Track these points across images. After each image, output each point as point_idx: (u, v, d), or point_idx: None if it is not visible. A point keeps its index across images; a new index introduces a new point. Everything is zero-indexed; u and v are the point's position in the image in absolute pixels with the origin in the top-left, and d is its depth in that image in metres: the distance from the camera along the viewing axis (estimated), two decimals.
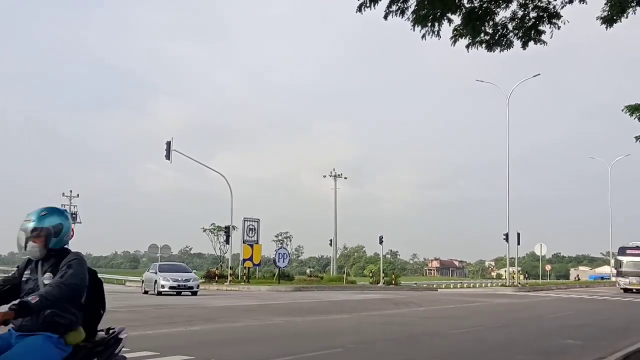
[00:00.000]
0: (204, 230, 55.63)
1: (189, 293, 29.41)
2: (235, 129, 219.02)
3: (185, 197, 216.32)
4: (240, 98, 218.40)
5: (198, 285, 31.11)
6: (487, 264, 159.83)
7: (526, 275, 60.07)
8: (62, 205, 64.64)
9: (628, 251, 42.87)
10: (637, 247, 42.79)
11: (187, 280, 30.14)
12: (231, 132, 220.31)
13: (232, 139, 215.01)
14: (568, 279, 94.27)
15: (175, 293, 29.06)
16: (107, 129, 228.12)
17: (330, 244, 61.97)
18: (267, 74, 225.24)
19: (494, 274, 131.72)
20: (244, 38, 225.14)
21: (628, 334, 14.85)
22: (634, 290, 40.88)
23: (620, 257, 43.55)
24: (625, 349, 11.25)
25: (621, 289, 41.84)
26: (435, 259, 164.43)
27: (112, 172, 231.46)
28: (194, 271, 36.16)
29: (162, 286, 29.46)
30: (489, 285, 59.95)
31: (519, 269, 54.82)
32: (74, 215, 62.75)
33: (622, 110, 28.51)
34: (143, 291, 32.20)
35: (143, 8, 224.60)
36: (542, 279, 68.75)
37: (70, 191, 68.15)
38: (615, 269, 46.60)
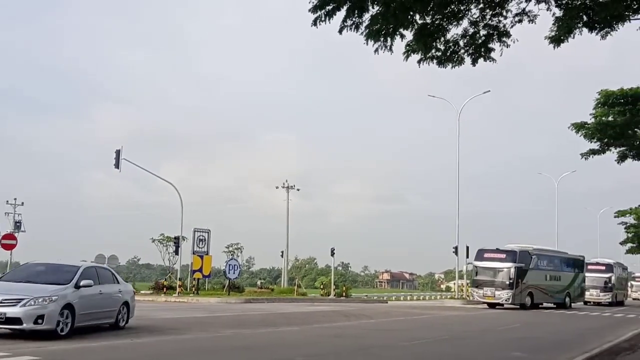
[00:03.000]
0: (153, 241, 54.58)
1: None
2: (184, 138, 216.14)
3: (133, 206, 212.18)
4: (189, 107, 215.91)
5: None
6: (437, 276, 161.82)
7: None
8: (5, 213, 62.80)
9: (486, 255, 35.45)
10: (497, 249, 35.55)
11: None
12: (179, 141, 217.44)
13: (180, 148, 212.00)
14: None
15: None
16: (51, 136, 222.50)
17: (282, 256, 61.80)
18: (217, 84, 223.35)
19: (443, 286, 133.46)
20: (196, 47, 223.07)
21: (572, 346, 15.19)
22: (488, 304, 34.98)
23: (477, 263, 35.86)
24: None
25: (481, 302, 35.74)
26: (386, 272, 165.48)
27: (57, 180, 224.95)
28: (126, 282, 27.45)
29: None
30: (438, 297, 60.67)
31: (468, 281, 55.65)
32: (18, 224, 60.86)
33: (569, 128, 29.38)
34: None
35: (93, 14, 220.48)
36: None
37: (15, 199, 66.09)
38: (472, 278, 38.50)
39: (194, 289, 40.08)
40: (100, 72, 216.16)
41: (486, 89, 50.99)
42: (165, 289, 40.53)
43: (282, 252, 60.92)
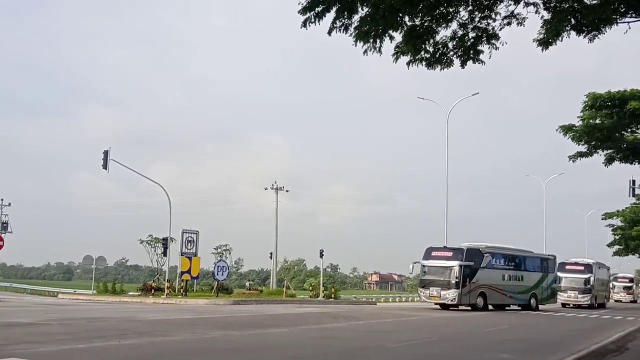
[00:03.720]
0: (141, 242, 54.57)
1: None
2: (172, 139, 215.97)
3: (122, 207, 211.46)
4: (177, 108, 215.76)
5: None
6: None
7: None
8: None
9: (434, 253, 34.23)
10: (445, 247, 34.74)
11: None
12: (167, 142, 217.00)
13: (168, 149, 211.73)
14: None
15: None
16: (38, 136, 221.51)
17: (271, 257, 61.65)
18: (206, 85, 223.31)
19: None
20: (185, 47, 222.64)
21: (559, 348, 15.26)
22: (440, 305, 33.37)
23: (424, 262, 34.37)
24: None
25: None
26: (375, 273, 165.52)
27: (44, 180, 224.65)
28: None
29: None
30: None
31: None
32: (5, 225, 60.43)
33: (557, 130, 29.54)
34: None
35: (83, 15, 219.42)
36: None
37: (2, 199, 65.65)
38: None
39: (182, 290, 39.93)
40: (89, 73, 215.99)
41: (475, 92, 51.19)
42: (153, 290, 40.35)
43: (271, 253, 60.74)
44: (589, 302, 43.23)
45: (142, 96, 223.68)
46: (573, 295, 43.58)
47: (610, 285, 52.90)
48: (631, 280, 68.84)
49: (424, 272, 34.40)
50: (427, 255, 34.40)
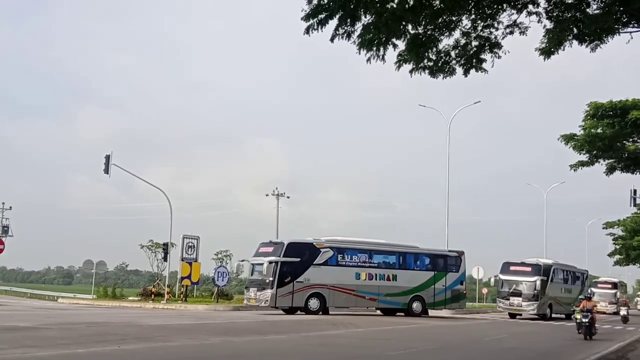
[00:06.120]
0: (142, 247, 54.34)
1: None
2: (170, 143, 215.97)
3: (120, 211, 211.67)
4: (176, 112, 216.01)
5: None
6: None
7: None
8: None
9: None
10: (270, 242, 31.55)
11: None
12: (165, 146, 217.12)
13: (167, 154, 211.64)
14: None
15: None
16: (35, 137, 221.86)
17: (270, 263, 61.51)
18: (205, 89, 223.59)
19: None
20: (184, 51, 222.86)
21: (557, 358, 15.23)
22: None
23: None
24: None
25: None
26: None
27: (44, 184, 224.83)
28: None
29: None
30: None
31: None
32: (5, 228, 60.36)
33: (558, 139, 29.53)
34: None
35: (82, 17, 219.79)
36: (478, 302, 70.02)
37: (3, 203, 65.62)
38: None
39: (182, 295, 39.92)
40: (87, 75, 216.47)
41: (476, 99, 51.18)
42: (153, 295, 40.37)
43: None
44: (535, 312, 35.58)
45: (141, 100, 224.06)
46: (516, 302, 35.82)
47: (589, 292, 50.03)
48: (614, 285, 56.52)
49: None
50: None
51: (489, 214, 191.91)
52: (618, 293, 52.84)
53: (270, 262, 28.62)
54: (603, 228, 55.36)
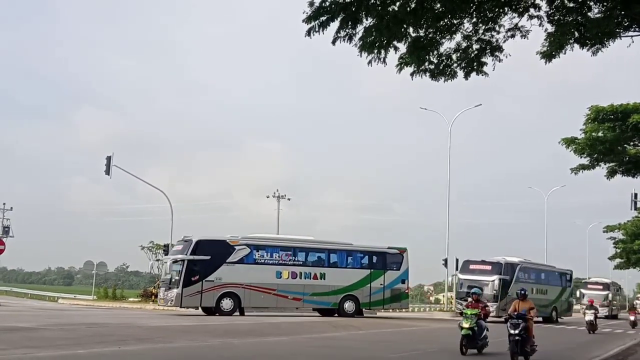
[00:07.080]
0: (142, 248, 54.36)
1: None
2: (169, 145, 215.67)
3: (122, 212, 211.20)
4: (175, 114, 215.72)
5: None
6: (425, 288, 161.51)
7: None
8: None
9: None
10: (183, 239, 29.47)
11: None
12: (164, 148, 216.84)
13: (166, 156, 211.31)
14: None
15: None
16: (35, 138, 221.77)
17: None
18: (205, 91, 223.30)
19: (432, 298, 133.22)
20: (183, 54, 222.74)
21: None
22: None
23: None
24: None
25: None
26: None
27: (45, 185, 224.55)
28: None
29: None
30: (427, 309, 60.57)
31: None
32: (6, 229, 60.34)
33: (559, 143, 29.52)
34: None
35: (82, 20, 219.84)
36: None
37: (4, 204, 65.62)
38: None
39: None
40: (87, 77, 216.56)
41: (477, 102, 51.18)
42: (153, 296, 40.33)
43: None
44: (494, 314, 29.96)
45: (141, 102, 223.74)
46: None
47: (578, 293, 46.92)
48: (606, 286, 53.55)
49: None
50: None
51: (489, 217, 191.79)
52: (610, 295, 50.86)
53: (176, 261, 27.34)
54: (604, 231, 55.13)
